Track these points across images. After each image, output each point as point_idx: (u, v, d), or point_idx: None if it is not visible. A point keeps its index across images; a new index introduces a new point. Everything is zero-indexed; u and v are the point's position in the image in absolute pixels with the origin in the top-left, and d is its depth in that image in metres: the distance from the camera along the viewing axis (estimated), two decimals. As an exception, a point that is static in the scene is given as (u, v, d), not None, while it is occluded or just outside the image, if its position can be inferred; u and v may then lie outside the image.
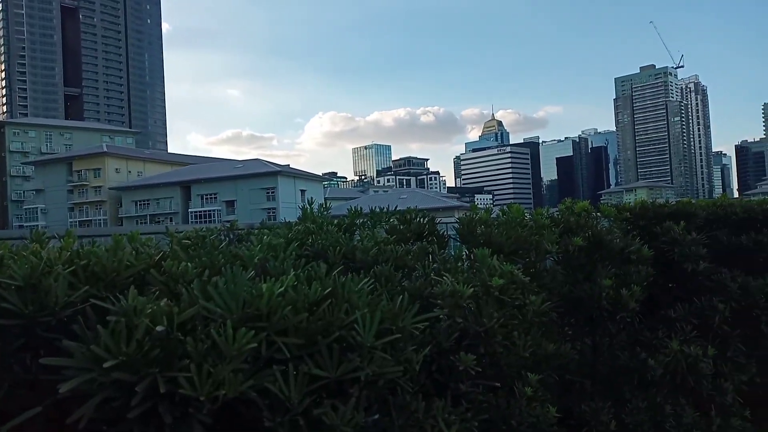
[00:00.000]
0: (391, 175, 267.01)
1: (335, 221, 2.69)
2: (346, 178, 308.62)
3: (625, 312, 2.80)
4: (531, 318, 1.65)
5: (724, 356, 3.75)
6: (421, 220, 2.96)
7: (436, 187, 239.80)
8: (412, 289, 1.58)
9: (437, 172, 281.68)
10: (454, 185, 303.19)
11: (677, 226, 3.61)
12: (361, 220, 2.98)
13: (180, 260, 1.77)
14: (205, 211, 72.31)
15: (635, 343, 3.42)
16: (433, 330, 1.46)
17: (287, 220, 3.32)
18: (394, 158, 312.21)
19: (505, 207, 3.08)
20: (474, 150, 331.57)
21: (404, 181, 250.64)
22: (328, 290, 1.21)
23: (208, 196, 74.68)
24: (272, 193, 70.74)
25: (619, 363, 3.07)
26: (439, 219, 3.07)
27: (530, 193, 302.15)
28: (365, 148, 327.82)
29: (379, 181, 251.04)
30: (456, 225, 3.01)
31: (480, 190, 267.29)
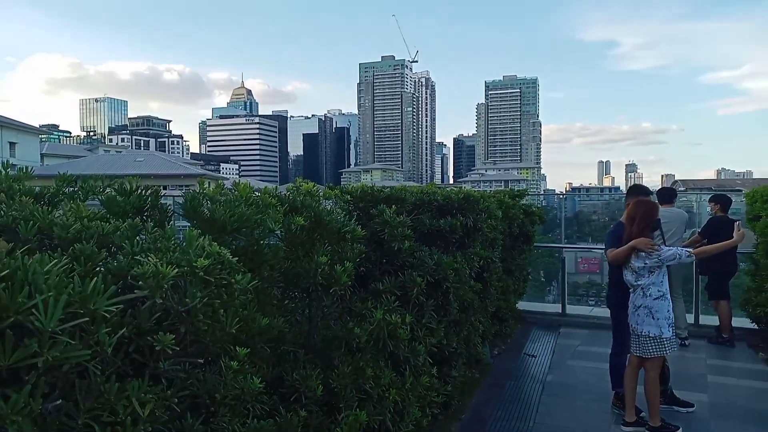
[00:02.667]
0: (127, 134, 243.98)
1: (36, 189, 2.40)
2: (70, 133, 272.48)
3: (338, 286, 3.07)
4: (238, 296, 1.73)
5: (420, 322, 4.35)
6: (143, 192, 2.82)
7: (178, 152, 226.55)
8: (115, 269, 1.52)
9: (180, 136, 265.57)
10: (198, 151, 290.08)
11: (389, 210, 4.06)
12: (71, 189, 2.72)
13: None
14: None
15: (347, 313, 3.77)
16: (134, 311, 1.44)
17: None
18: (130, 116, 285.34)
19: (236, 181, 3.12)
20: (222, 116, 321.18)
21: (142, 142, 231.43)
22: (5, 272, 1.11)
23: None
24: (-36, 143, 58.85)
25: (331, 333, 3.36)
26: (164, 192, 2.96)
27: (277, 166, 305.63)
28: (96, 101, 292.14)
29: (111, 140, 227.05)
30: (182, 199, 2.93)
31: (226, 159, 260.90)
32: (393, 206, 4.18)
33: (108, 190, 2.82)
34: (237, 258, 2.16)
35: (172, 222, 2.83)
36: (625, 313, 5.24)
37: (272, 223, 2.77)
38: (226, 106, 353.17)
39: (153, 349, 1.40)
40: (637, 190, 5.94)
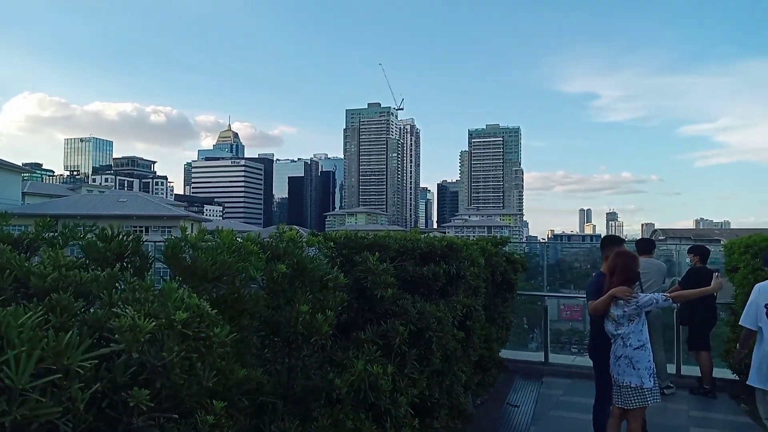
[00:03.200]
0: (111, 174, 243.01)
1: (15, 233, 2.37)
2: (53, 173, 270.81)
3: (319, 336, 3.04)
4: (216, 348, 1.70)
5: (402, 373, 4.29)
6: (124, 237, 2.80)
7: (162, 193, 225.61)
8: (91, 320, 1.50)
9: (165, 177, 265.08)
10: (183, 193, 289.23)
11: (373, 257, 4.06)
12: (51, 234, 2.69)
13: None
14: None
15: (328, 363, 3.71)
16: (109, 365, 1.41)
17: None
18: (115, 156, 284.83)
19: (220, 228, 3.11)
20: (207, 158, 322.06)
21: (126, 182, 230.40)
22: (-23, 325, 1.09)
23: None
24: (-56, 180, 58.12)
25: (310, 383, 3.30)
26: (145, 238, 2.94)
27: (261, 209, 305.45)
28: (81, 140, 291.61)
29: (95, 180, 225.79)
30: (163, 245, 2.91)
31: (210, 201, 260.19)
32: (376, 253, 4.18)
33: (89, 235, 2.80)
34: (217, 306, 2.14)
35: (151, 270, 2.80)
36: (608, 363, 5.22)
37: (254, 271, 2.75)
38: (212, 148, 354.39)
39: (127, 404, 1.36)
40: (611, 241, 6.01)
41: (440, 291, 5.40)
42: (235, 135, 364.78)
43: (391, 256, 4.77)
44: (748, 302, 5.46)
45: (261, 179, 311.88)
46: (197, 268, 2.53)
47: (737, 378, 8.19)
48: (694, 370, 8.55)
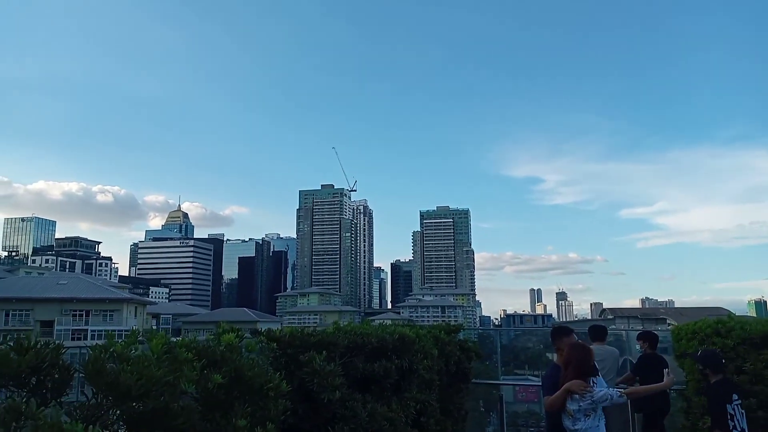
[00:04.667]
0: (52, 255, 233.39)
1: None
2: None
3: (258, 451, 2.78)
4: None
5: (350, 482, 3.99)
6: (42, 348, 2.55)
7: (106, 275, 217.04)
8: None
9: (109, 258, 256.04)
10: (128, 274, 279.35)
11: (319, 356, 3.85)
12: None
13: None
14: None
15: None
16: None
17: None
18: (58, 236, 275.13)
19: (145, 335, 2.88)
20: (155, 239, 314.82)
21: (68, 263, 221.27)
22: None
23: None
24: None
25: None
26: (65, 348, 2.67)
27: (209, 290, 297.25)
28: (22, 220, 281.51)
29: (35, 261, 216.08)
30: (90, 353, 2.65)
31: (157, 283, 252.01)
32: (323, 352, 3.98)
33: (3, 345, 2.53)
34: (142, 424, 1.91)
35: (71, 386, 2.53)
36: None
37: (186, 384, 2.52)
38: (160, 228, 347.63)
39: None
40: (561, 332, 5.99)
41: (393, 387, 5.17)
42: (185, 215, 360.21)
43: (341, 352, 4.56)
44: None
45: (210, 260, 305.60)
46: (120, 385, 2.30)
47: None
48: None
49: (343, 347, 4.59)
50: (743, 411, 6.42)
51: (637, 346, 8.80)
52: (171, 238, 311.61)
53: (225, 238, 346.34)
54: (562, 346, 5.48)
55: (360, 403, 4.26)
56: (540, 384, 6.22)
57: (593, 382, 5.13)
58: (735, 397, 6.27)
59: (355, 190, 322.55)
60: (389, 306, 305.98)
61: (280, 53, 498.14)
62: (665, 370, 5.75)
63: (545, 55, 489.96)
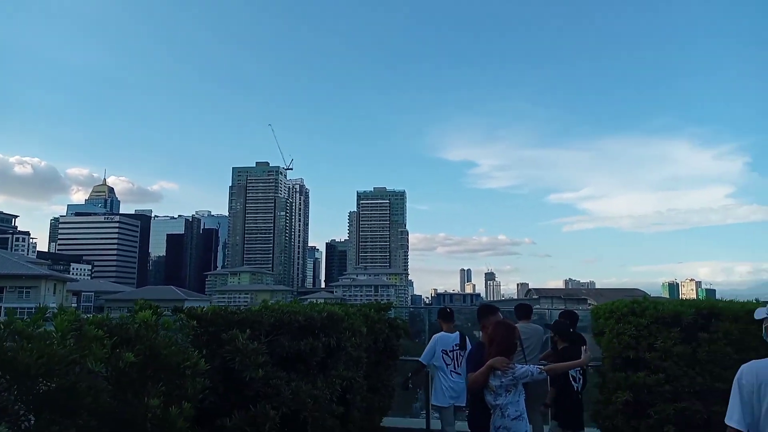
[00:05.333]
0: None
1: None
2: None
3: (173, 431, 2.68)
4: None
5: (273, 460, 3.93)
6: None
7: (23, 250, 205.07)
8: None
9: (27, 233, 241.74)
10: (47, 250, 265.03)
11: (242, 334, 3.75)
12: None
13: None
14: None
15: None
16: None
17: None
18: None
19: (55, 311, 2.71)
20: (77, 214, 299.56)
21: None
22: None
23: None
24: None
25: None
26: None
27: (135, 268, 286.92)
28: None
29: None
30: None
31: (78, 259, 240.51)
32: (248, 330, 3.88)
33: None
34: (45, 405, 1.78)
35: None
36: None
37: (93, 363, 2.38)
38: (84, 203, 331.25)
39: None
40: (488, 311, 6.12)
41: (319, 365, 5.13)
42: (110, 190, 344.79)
43: (266, 330, 4.46)
44: None
45: (137, 236, 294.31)
46: (19, 363, 2.14)
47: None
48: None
49: (268, 325, 4.50)
50: (581, 375, 7.75)
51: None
52: (95, 213, 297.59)
53: (153, 215, 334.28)
54: (488, 324, 5.60)
55: (284, 381, 4.19)
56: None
57: (519, 354, 5.29)
58: None
59: (291, 169, 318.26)
60: (323, 285, 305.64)
61: (216, 28, 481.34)
62: (583, 348, 6.00)
63: (484, 42, 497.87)
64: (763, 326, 3.27)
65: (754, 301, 8.35)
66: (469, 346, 7.88)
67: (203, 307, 3.98)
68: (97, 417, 2.55)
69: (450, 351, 7.95)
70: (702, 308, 8.07)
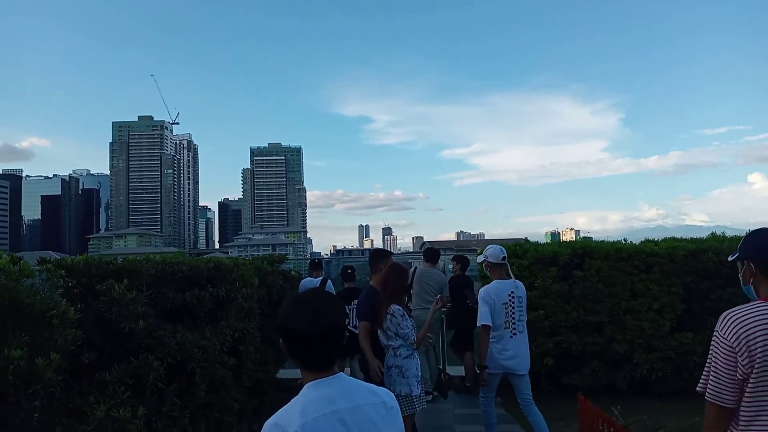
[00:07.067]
0: None
1: None
2: None
3: (41, 384, 2.49)
4: None
5: (160, 412, 3.82)
6: None
7: None
8: None
9: None
10: None
11: (119, 284, 3.54)
12: None
13: None
14: None
15: (63, 414, 3.12)
16: None
17: None
18: None
19: None
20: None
21: None
22: None
23: None
24: None
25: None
26: None
27: (7, 232, 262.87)
28: None
29: None
30: None
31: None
32: (125, 280, 3.65)
33: None
34: None
35: None
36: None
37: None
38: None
39: None
40: (381, 254, 6.19)
41: (207, 317, 4.98)
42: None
43: (148, 282, 4.24)
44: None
45: (6, 198, 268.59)
46: None
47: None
48: (456, 370, 9.28)
49: (149, 276, 4.27)
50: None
51: (450, 267, 9.54)
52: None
53: (24, 174, 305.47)
54: (381, 269, 5.68)
55: (168, 332, 4.03)
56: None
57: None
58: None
59: (177, 123, 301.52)
60: (217, 246, 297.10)
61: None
62: (437, 296, 6.39)
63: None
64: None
65: (623, 241, 9.14)
66: (330, 288, 8.93)
67: (73, 258, 3.69)
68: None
69: None
70: (577, 248, 8.73)
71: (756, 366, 2.10)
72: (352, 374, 8.67)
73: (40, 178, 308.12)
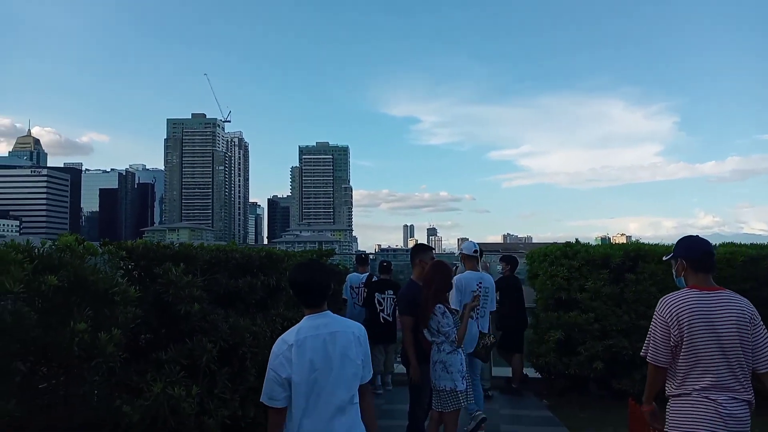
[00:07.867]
0: None
1: None
2: None
3: (103, 357, 2.59)
4: None
5: (212, 394, 3.91)
6: None
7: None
8: None
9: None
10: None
11: (176, 268, 3.65)
12: None
13: None
14: None
15: (122, 389, 3.24)
16: None
17: None
18: None
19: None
20: (1, 167, 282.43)
21: None
22: None
23: None
24: None
25: (95, 413, 2.82)
26: None
27: (67, 223, 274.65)
28: None
29: None
30: None
31: (5, 215, 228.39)
32: (181, 264, 3.77)
33: None
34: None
35: None
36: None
37: (11, 284, 2.25)
38: (7, 155, 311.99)
39: None
40: (422, 248, 6.12)
41: (258, 304, 5.08)
42: (36, 141, 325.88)
43: (202, 267, 4.36)
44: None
45: (67, 191, 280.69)
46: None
47: (540, 376, 8.94)
48: (503, 371, 9.15)
49: (204, 262, 4.39)
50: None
51: (499, 268, 9.41)
52: (20, 166, 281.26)
53: (83, 168, 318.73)
54: (422, 262, 5.66)
55: (221, 317, 4.13)
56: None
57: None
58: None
59: (229, 121, 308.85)
60: (265, 242, 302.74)
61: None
62: (472, 291, 6.39)
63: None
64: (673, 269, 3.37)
65: (676, 245, 8.82)
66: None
67: (133, 241, 3.84)
68: (17, 341, 2.44)
69: (356, 287, 9.22)
70: (629, 251, 8.46)
71: (685, 335, 2.94)
72: (387, 361, 8.88)
73: (98, 171, 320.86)
